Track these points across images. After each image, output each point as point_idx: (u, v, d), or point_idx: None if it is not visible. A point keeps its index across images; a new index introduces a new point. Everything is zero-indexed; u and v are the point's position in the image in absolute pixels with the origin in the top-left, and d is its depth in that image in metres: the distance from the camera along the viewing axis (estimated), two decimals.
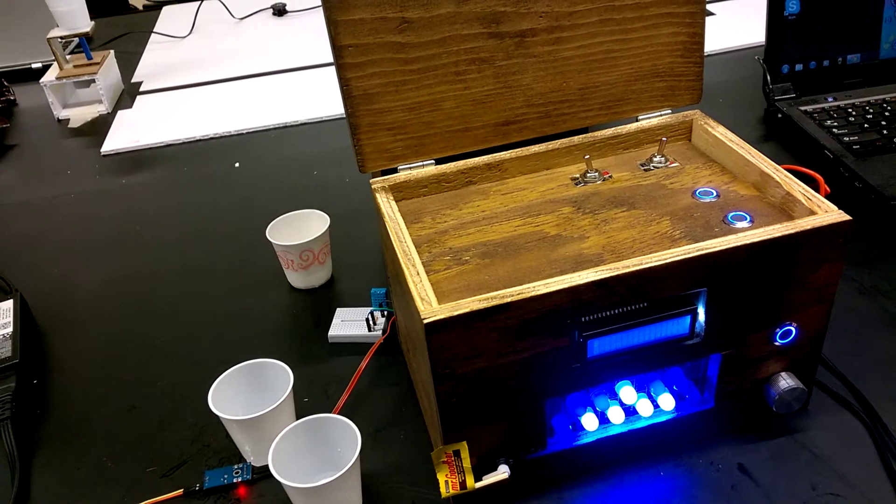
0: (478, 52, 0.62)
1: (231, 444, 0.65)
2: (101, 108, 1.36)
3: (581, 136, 0.66)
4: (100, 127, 1.31)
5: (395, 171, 0.65)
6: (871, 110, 0.93)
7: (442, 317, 0.48)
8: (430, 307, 0.49)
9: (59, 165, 1.19)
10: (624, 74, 0.65)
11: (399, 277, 0.56)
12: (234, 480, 0.61)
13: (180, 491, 0.61)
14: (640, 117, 0.67)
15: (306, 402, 0.69)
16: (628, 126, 0.67)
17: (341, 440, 0.57)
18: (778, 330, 0.55)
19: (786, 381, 0.57)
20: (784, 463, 0.58)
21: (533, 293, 0.49)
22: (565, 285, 0.49)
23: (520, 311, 0.49)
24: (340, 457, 0.56)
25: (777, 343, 0.56)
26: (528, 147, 0.65)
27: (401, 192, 0.64)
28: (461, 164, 0.65)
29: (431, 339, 0.48)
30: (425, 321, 0.47)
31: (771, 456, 0.58)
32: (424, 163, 0.65)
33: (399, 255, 0.54)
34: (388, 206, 0.60)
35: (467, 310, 0.48)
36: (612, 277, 0.49)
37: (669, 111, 0.68)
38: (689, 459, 0.59)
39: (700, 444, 0.60)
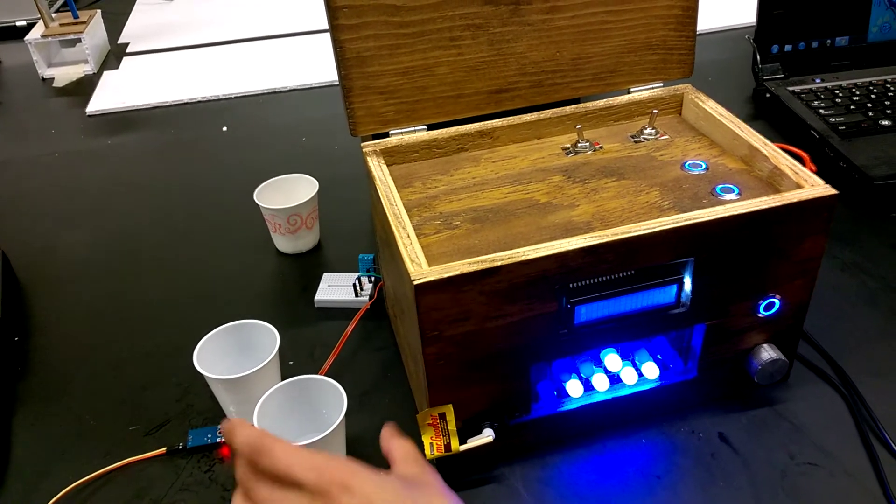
0: (472, 19, 0.61)
1: (215, 404, 0.65)
2: (87, 68, 1.33)
3: (573, 106, 0.66)
4: (85, 87, 1.29)
5: (386, 135, 0.65)
6: (858, 92, 0.93)
7: (432, 278, 0.48)
8: (421, 269, 0.49)
9: (44, 124, 1.18)
10: (617, 46, 0.65)
11: (389, 241, 0.56)
12: (218, 440, 0.61)
13: (163, 449, 0.61)
14: (632, 89, 0.68)
15: (291, 364, 0.69)
16: (620, 98, 0.67)
17: (327, 401, 0.58)
18: (762, 301, 0.56)
19: (768, 353, 0.58)
20: (763, 432, 0.59)
21: (523, 258, 0.49)
22: (555, 251, 0.49)
23: (509, 275, 0.49)
24: (326, 418, 0.57)
25: (760, 315, 0.57)
26: (519, 115, 0.65)
27: (392, 157, 0.64)
28: (453, 130, 0.65)
29: (421, 301, 0.48)
30: (415, 282, 0.48)
31: (751, 425, 0.59)
32: (416, 128, 0.65)
33: (390, 218, 0.54)
34: (379, 170, 0.60)
35: (457, 272, 0.48)
36: (601, 244, 0.50)
37: (661, 84, 0.68)
38: (671, 427, 0.60)
39: (682, 412, 0.61)
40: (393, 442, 0.45)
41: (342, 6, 0.59)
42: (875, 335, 0.66)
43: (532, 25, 0.62)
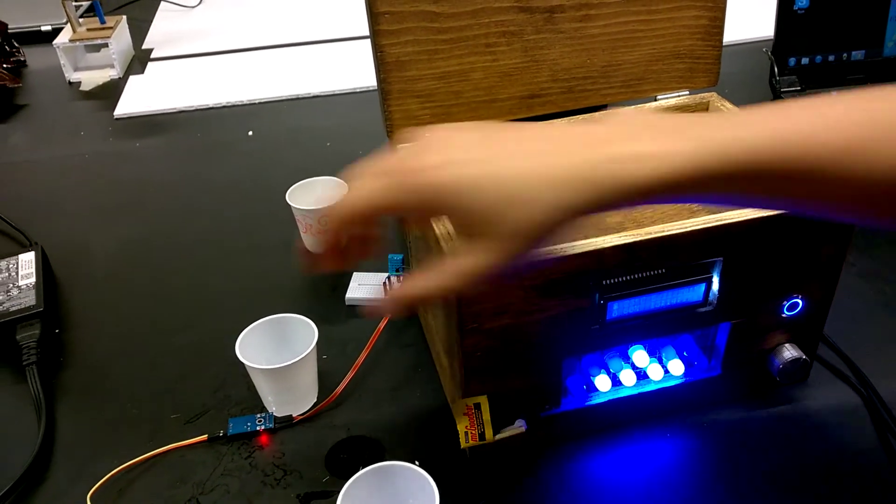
0: (508, 26, 0.64)
1: (252, 394, 0.67)
2: (113, 73, 1.36)
3: (602, 112, 0.69)
4: (111, 91, 1.31)
5: None
6: None
7: None
8: None
9: (72, 127, 1.20)
10: (646, 54, 0.68)
11: (427, 238, 0.58)
12: (258, 428, 0.63)
13: (205, 437, 0.63)
14: (659, 97, 0.70)
15: (325, 358, 0.71)
16: (647, 105, 0.69)
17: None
18: (786, 302, 0.58)
19: (790, 352, 0.60)
20: (784, 430, 0.61)
21: (560, 254, 0.51)
22: (592, 248, 0.51)
23: (547, 271, 0.51)
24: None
25: (784, 315, 0.59)
26: (551, 121, 0.68)
27: None
28: None
29: (461, 295, 0.51)
30: None
31: (772, 422, 0.61)
32: None
33: None
34: None
35: None
36: (635, 243, 0.52)
37: (687, 92, 0.70)
38: (695, 422, 0.62)
39: (705, 408, 0.63)
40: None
41: (384, 12, 0.61)
42: (891, 338, 0.68)
43: (565, 33, 0.65)
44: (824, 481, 0.57)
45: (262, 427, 0.63)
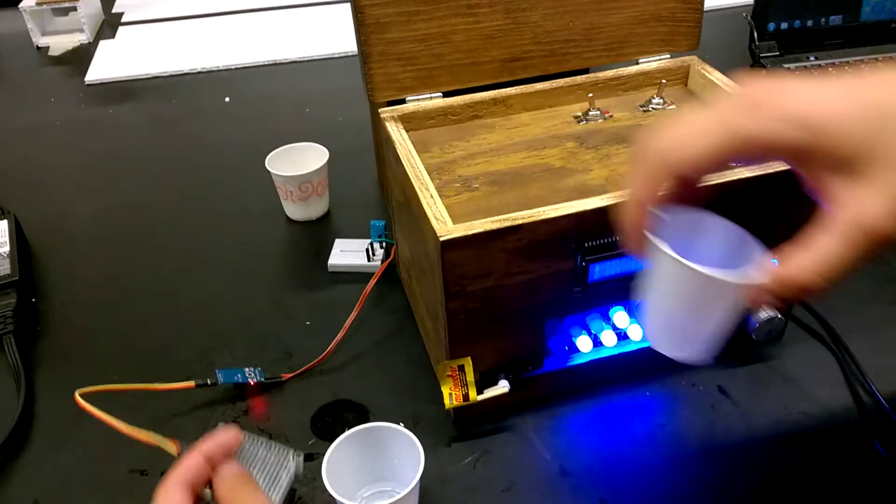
0: None
1: (235, 360, 0.67)
2: (82, 38, 1.33)
3: (584, 76, 0.69)
4: (81, 56, 1.28)
5: (403, 101, 0.67)
6: (850, 70, 0.97)
7: (457, 235, 0.50)
8: (446, 226, 0.51)
9: (42, 93, 1.18)
10: (628, 17, 0.67)
11: (410, 202, 0.58)
12: (249, 381, 0.63)
13: (192, 383, 0.62)
14: (641, 60, 0.70)
15: (308, 324, 0.71)
16: (629, 68, 0.69)
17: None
18: None
19: (765, 312, 0.62)
20: (760, 385, 0.62)
21: (543, 216, 0.51)
22: (573, 210, 0.52)
23: (530, 234, 0.52)
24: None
25: None
26: (532, 84, 0.68)
27: (409, 123, 0.66)
28: (468, 98, 0.67)
29: (446, 258, 0.51)
30: (441, 239, 0.50)
31: (748, 379, 0.63)
32: (432, 95, 0.67)
33: (412, 180, 0.56)
34: (399, 135, 0.62)
35: (481, 230, 0.51)
36: (616, 204, 0.52)
37: (668, 56, 0.70)
38: (674, 381, 0.63)
39: (684, 367, 0.64)
40: None
41: None
42: (864, 300, 0.70)
43: None
44: (799, 434, 0.58)
45: (253, 380, 0.63)
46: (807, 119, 0.36)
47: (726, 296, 0.41)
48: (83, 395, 0.52)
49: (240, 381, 0.62)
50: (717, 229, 0.45)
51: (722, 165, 0.40)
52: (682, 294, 0.42)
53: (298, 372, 0.65)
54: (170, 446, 0.45)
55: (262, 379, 0.63)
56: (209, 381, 0.62)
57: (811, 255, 0.37)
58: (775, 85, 0.38)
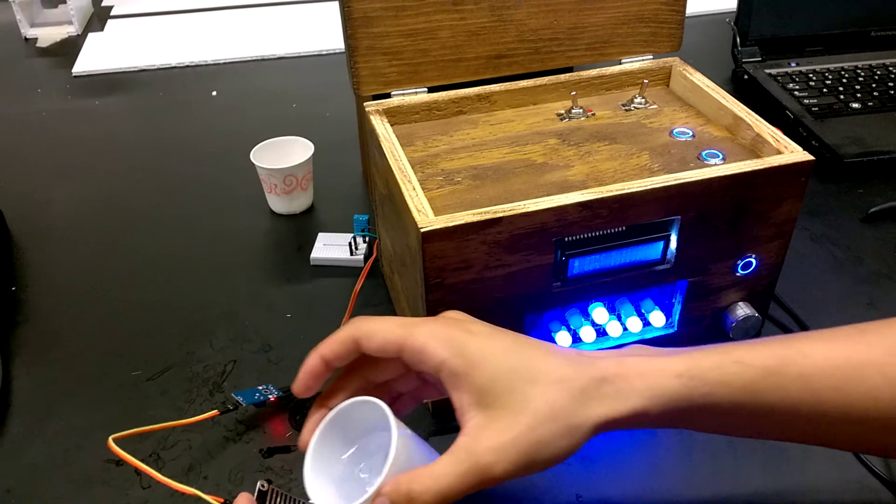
0: None
1: (215, 351, 0.67)
2: (71, 30, 1.33)
3: (567, 74, 0.69)
4: (69, 48, 1.28)
5: (388, 96, 0.67)
6: (830, 76, 0.98)
7: (438, 227, 0.51)
8: (427, 218, 0.52)
9: (29, 84, 1.17)
10: (611, 17, 0.68)
11: (393, 195, 0.58)
12: (269, 398, 0.61)
13: (216, 412, 0.59)
14: (624, 60, 0.71)
15: (289, 317, 0.71)
16: (612, 68, 0.70)
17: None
18: (740, 261, 0.60)
19: (743, 310, 0.62)
20: None
21: (523, 210, 0.52)
22: (553, 204, 0.52)
23: (510, 227, 0.52)
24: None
25: (738, 273, 0.61)
26: (517, 81, 0.68)
27: (393, 117, 0.66)
28: (452, 93, 0.67)
29: (426, 249, 0.51)
30: (422, 230, 0.50)
31: None
32: (417, 90, 0.67)
33: (395, 172, 0.57)
34: (383, 128, 0.62)
35: (462, 222, 0.51)
36: (596, 200, 0.53)
37: (651, 56, 0.71)
38: None
39: None
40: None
41: None
42: (839, 299, 0.71)
43: None
44: None
45: (274, 396, 0.61)
46: (466, 348, 0.43)
47: None
48: (117, 441, 0.53)
49: (260, 400, 0.61)
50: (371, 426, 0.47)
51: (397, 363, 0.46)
52: None
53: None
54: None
55: (281, 393, 0.62)
56: (230, 407, 0.60)
57: (431, 476, 0.40)
58: (465, 316, 0.47)
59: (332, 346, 0.45)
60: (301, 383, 0.46)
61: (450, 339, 0.43)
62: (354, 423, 0.47)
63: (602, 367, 0.43)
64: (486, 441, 0.40)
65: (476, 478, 0.40)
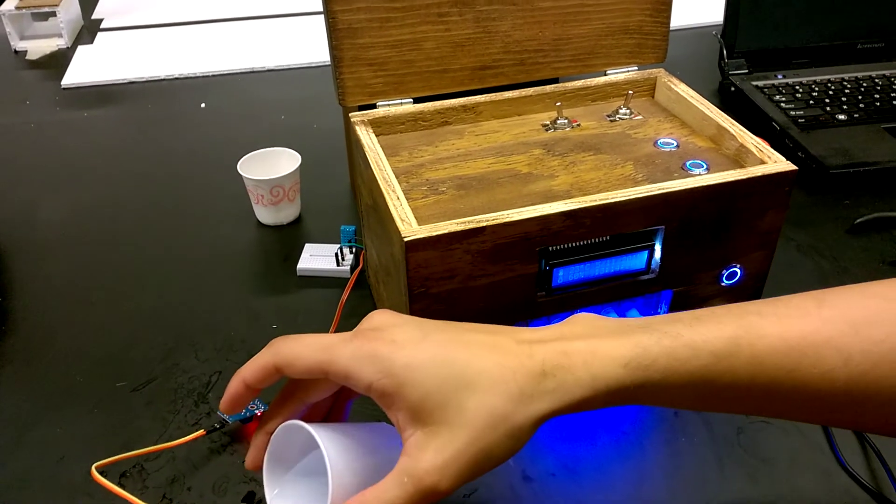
0: None
1: (199, 363, 0.67)
2: (61, 42, 1.32)
3: (552, 85, 0.70)
4: (59, 60, 1.28)
5: (373, 106, 0.67)
6: (817, 89, 0.99)
7: (421, 236, 0.51)
8: (411, 227, 0.51)
9: (18, 95, 1.17)
10: (596, 29, 0.69)
11: (378, 205, 0.58)
12: (256, 412, 0.60)
13: (202, 431, 0.59)
14: (609, 72, 0.71)
15: (275, 328, 0.71)
16: (597, 79, 0.70)
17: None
18: (725, 271, 0.60)
19: None
20: None
21: (507, 219, 0.52)
22: (537, 213, 0.52)
23: (494, 236, 0.52)
24: None
25: (723, 283, 0.61)
26: (502, 92, 0.68)
27: (379, 128, 0.66)
28: (438, 104, 0.67)
29: (410, 259, 0.51)
30: (406, 239, 0.50)
31: None
32: (403, 101, 0.67)
33: (380, 182, 0.57)
34: (368, 139, 0.63)
35: (445, 231, 0.51)
36: (580, 209, 0.53)
37: (636, 68, 0.72)
38: None
39: None
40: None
41: None
42: None
43: (517, 5, 0.66)
44: (760, 441, 0.59)
45: (259, 411, 0.61)
46: (393, 366, 0.40)
47: None
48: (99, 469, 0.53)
49: (247, 417, 0.61)
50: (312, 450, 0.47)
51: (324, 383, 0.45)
52: None
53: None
54: None
55: (266, 408, 0.61)
56: (216, 426, 0.59)
57: (375, 497, 0.39)
58: (388, 321, 0.44)
59: (253, 371, 0.44)
60: (226, 406, 0.45)
61: (373, 358, 0.41)
62: (294, 444, 0.46)
63: (541, 357, 0.41)
64: (426, 461, 0.39)
65: (422, 499, 0.39)
